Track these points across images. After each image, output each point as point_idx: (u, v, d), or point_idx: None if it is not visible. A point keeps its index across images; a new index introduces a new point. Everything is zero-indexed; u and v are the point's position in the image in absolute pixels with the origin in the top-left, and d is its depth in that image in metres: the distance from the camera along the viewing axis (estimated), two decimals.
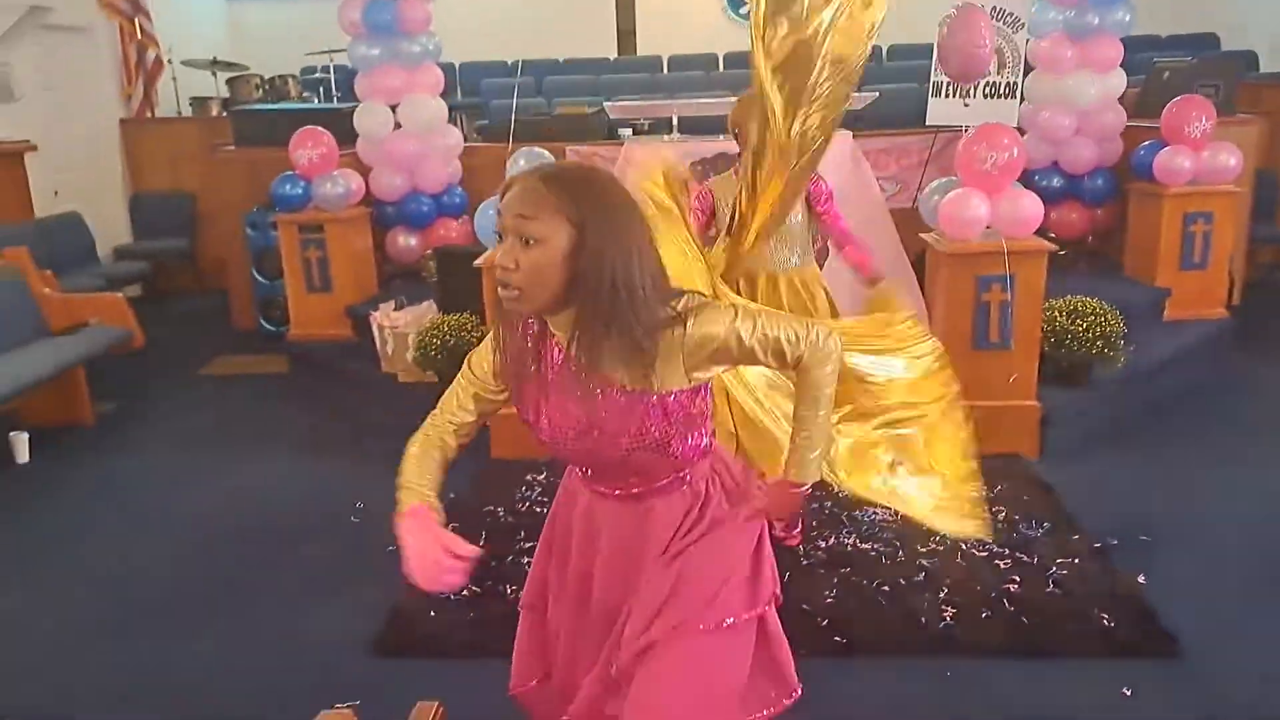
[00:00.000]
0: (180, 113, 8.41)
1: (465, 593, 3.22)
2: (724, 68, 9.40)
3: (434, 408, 1.84)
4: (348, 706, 1.29)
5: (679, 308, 1.60)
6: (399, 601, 3.20)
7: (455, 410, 1.81)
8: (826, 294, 3.45)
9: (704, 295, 1.70)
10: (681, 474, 1.76)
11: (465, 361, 1.82)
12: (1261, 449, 4.30)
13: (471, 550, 1.60)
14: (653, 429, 1.64)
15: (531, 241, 1.51)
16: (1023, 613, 3.02)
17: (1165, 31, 8.98)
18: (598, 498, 1.82)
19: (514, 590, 3.22)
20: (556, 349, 1.67)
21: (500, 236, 1.56)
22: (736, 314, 1.64)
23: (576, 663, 1.90)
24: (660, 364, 1.59)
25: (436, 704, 1.85)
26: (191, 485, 4.34)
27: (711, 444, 1.79)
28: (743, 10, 9.95)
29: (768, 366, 1.78)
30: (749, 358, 1.68)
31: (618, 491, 1.78)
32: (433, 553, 1.59)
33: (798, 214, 3.31)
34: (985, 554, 3.37)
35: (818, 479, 1.86)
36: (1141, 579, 3.19)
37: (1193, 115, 5.13)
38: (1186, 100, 5.26)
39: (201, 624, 3.22)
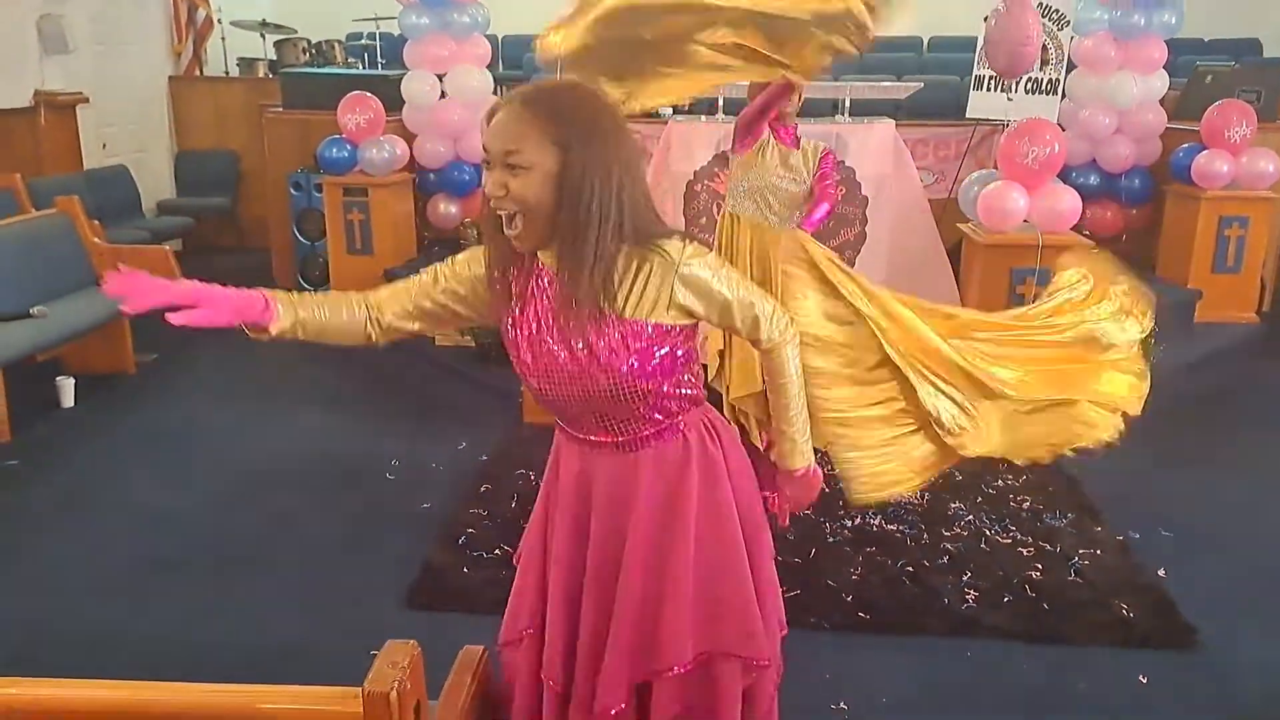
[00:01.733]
0: (228, 73, 8.52)
1: (498, 551, 3.32)
2: None
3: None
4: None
5: (679, 233, 1.61)
6: (432, 556, 3.31)
7: (393, 302, 1.74)
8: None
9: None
10: (673, 421, 1.70)
11: (433, 270, 1.73)
12: None
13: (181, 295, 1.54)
14: (638, 365, 1.60)
15: (519, 169, 1.49)
16: (1043, 599, 3.09)
17: (1208, 35, 8.91)
18: (588, 451, 1.74)
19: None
20: (547, 282, 1.62)
21: (487, 165, 1.52)
22: (726, 268, 1.66)
23: (570, 621, 1.82)
24: (647, 286, 1.57)
25: (482, 649, 1.89)
26: (230, 436, 4.45)
27: (700, 395, 1.75)
28: None
29: (736, 332, 1.73)
30: (726, 316, 1.65)
31: (606, 439, 1.70)
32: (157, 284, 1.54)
33: (804, 180, 3.43)
34: (1009, 540, 3.43)
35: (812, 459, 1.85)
36: (1162, 573, 3.24)
37: (1233, 120, 5.16)
38: (1228, 104, 5.28)
39: (239, 572, 3.31)
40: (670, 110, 6.25)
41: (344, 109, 5.52)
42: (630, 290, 1.57)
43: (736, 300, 1.63)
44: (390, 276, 5.55)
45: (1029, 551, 3.37)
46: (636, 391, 1.62)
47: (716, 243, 3.60)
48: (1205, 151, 5.26)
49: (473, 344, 4.69)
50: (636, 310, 1.57)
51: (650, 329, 1.59)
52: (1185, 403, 4.74)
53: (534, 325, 1.63)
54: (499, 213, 1.54)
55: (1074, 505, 3.71)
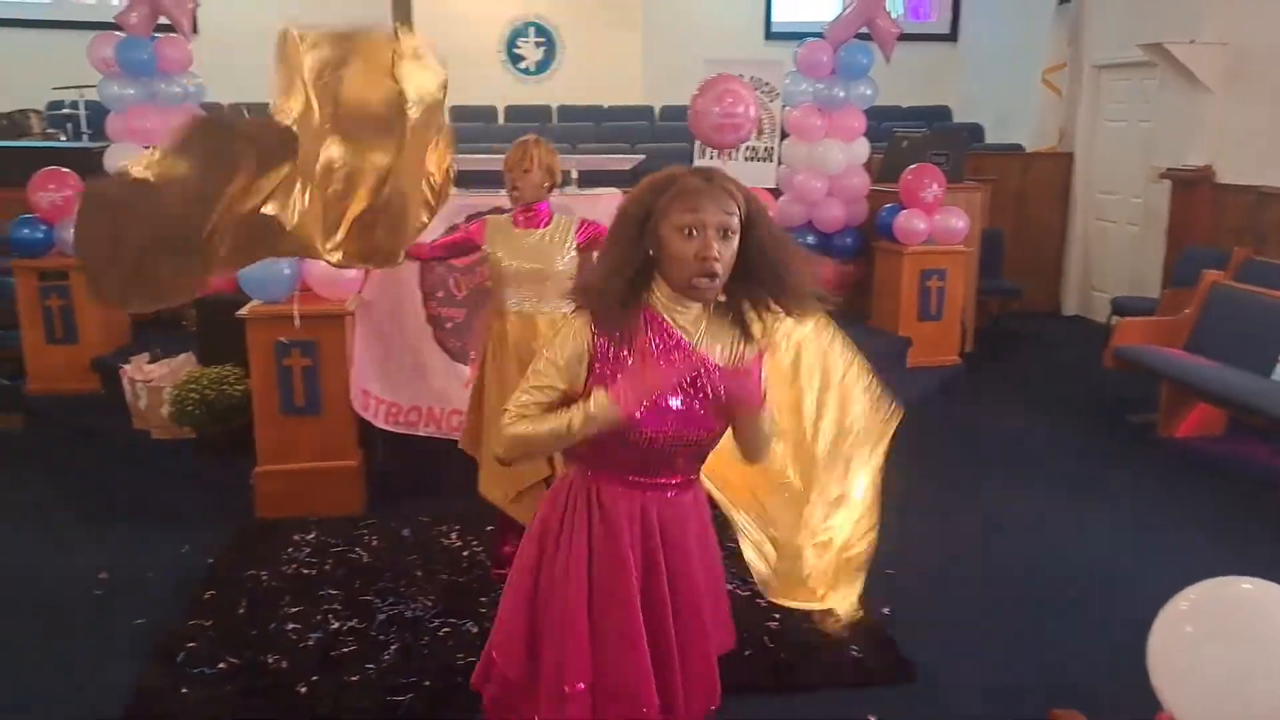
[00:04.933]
0: None
1: (222, 665, 3.05)
2: (504, 120, 9.52)
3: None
4: None
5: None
6: (145, 679, 2.99)
7: (534, 384, 1.85)
8: None
9: None
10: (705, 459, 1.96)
11: (541, 381, 1.84)
12: (991, 482, 4.76)
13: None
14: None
15: (729, 233, 1.74)
16: (782, 649, 3.19)
17: (905, 103, 9.88)
18: (648, 495, 1.90)
19: (276, 660, 3.08)
20: (668, 338, 1.82)
21: (691, 233, 1.72)
22: None
23: (661, 654, 1.93)
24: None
25: None
26: None
27: None
28: (521, 65, 10.12)
29: None
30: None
31: (676, 480, 1.91)
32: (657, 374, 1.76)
33: (568, 258, 3.37)
34: (747, 593, 3.53)
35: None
36: (886, 610, 3.44)
37: (926, 182, 5.69)
38: (921, 168, 5.83)
39: None
40: None
41: (35, 186, 5.03)
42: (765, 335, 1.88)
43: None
44: (99, 365, 5.09)
45: (766, 602, 3.47)
46: (720, 435, 1.90)
47: (491, 340, 3.42)
48: (904, 211, 5.77)
49: (193, 436, 4.34)
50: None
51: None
52: (903, 444, 5.10)
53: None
54: (709, 273, 1.73)
55: None
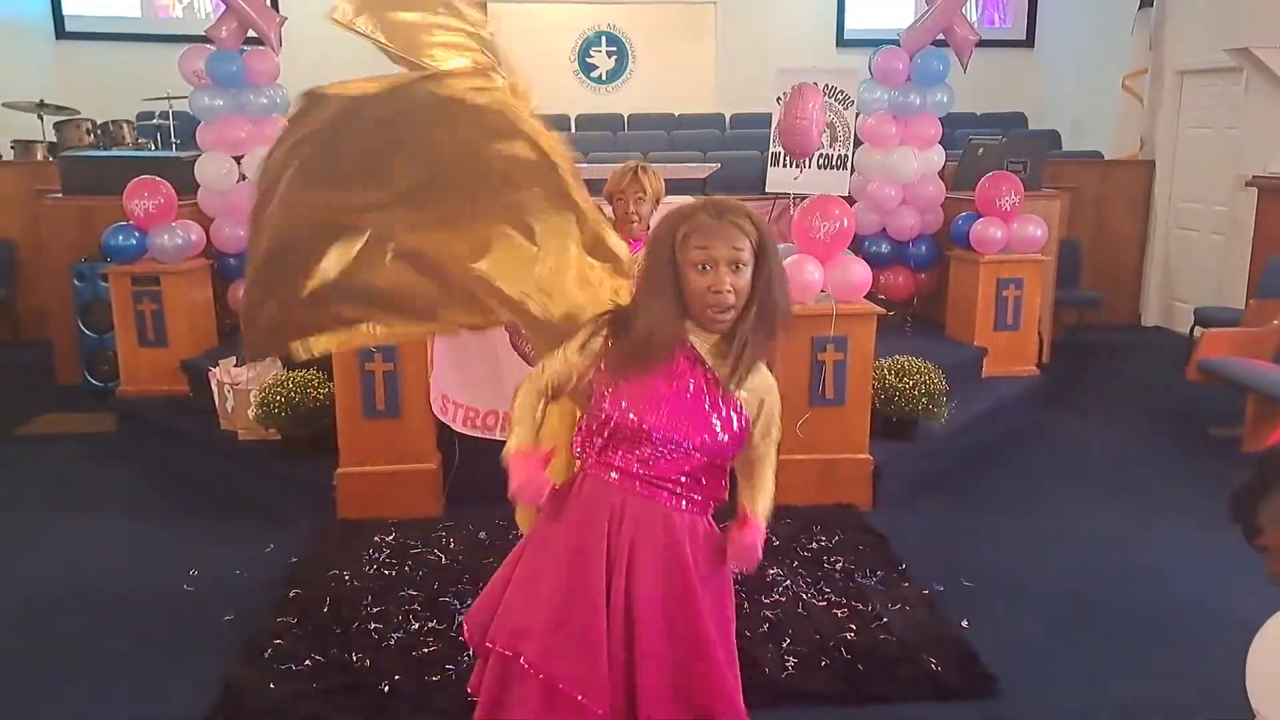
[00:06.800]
0: (0, 156, 7.93)
1: (308, 662, 3.14)
2: (576, 129, 9.62)
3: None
4: None
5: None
6: (233, 674, 3.08)
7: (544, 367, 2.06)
8: None
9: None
10: (702, 493, 2.01)
11: (563, 361, 2.03)
12: (1069, 495, 4.67)
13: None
14: (737, 436, 1.96)
15: (740, 267, 1.85)
16: (858, 660, 3.18)
17: (980, 110, 9.75)
18: (639, 493, 1.97)
19: (360, 659, 3.16)
20: (686, 362, 1.94)
21: (703, 268, 1.85)
22: None
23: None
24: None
25: None
26: (5, 552, 4.05)
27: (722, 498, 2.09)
28: (594, 74, 10.22)
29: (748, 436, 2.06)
30: (756, 416, 2.05)
31: (669, 484, 1.97)
32: (534, 482, 1.97)
33: None
34: (824, 604, 3.53)
35: None
36: (965, 623, 3.40)
37: (1003, 190, 5.61)
38: (997, 176, 5.74)
39: (11, 710, 3.00)
40: None
41: (130, 194, 5.23)
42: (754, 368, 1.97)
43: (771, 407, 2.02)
44: (188, 368, 5.26)
45: (843, 612, 3.47)
46: (724, 463, 2.01)
47: None
48: (980, 219, 5.69)
49: (278, 437, 4.46)
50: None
51: (743, 408, 1.97)
52: (978, 454, 5.05)
53: (670, 398, 1.92)
54: (723, 305, 1.85)
55: (882, 562, 3.86)
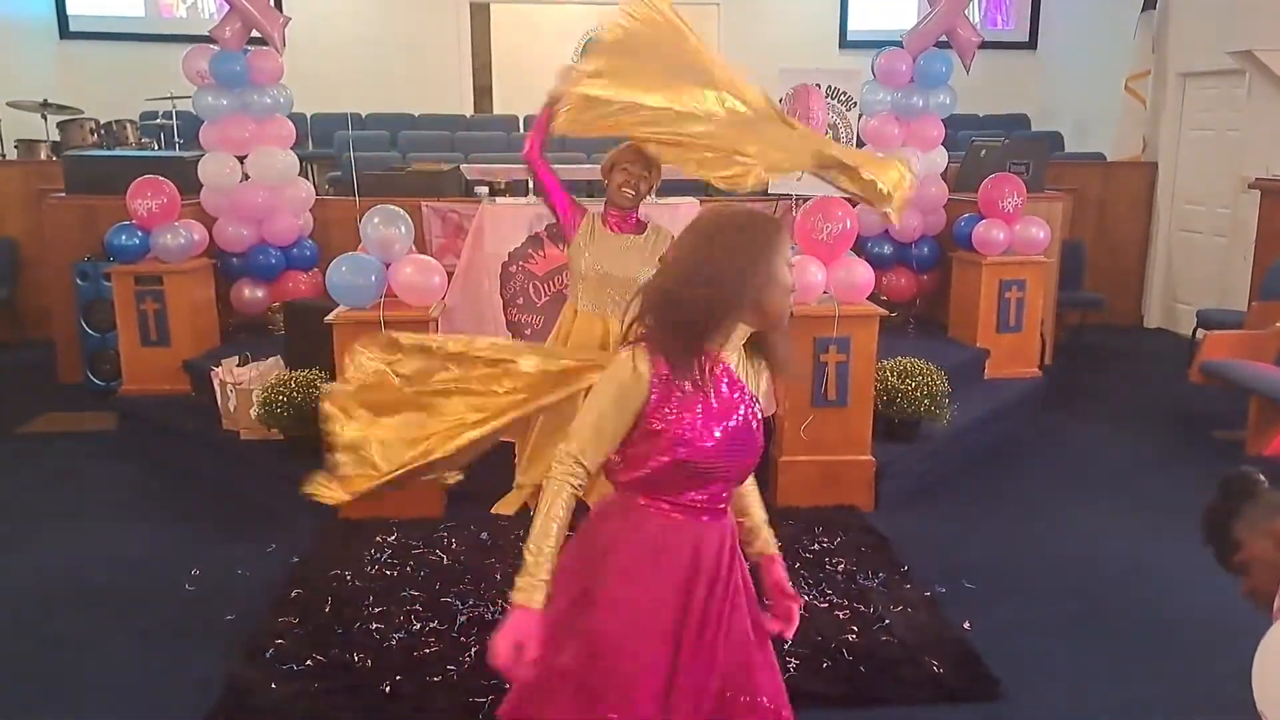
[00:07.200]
0: (3, 156, 7.94)
1: (310, 662, 3.14)
2: None
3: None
4: None
5: None
6: (235, 673, 3.08)
7: (594, 459, 1.83)
8: None
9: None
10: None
11: (609, 420, 1.81)
12: (1071, 496, 4.67)
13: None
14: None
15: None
16: (860, 662, 3.17)
17: (983, 111, 9.74)
18: (698, 524, 1.89)
19: (361, 659, 3.16)
20: (730, 388, 1.88)
21: (789, 266, 1.85)
22: None
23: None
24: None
25: None
26: (6, 551, 4.05)
27: None
28: None
29: None
30: None
31: (725, 506, 1.94)
32: (522, 651, 1.76)
33: (651, 270, 3.39)
34: (826, 605, 3.52)
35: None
36: (967, 625, 3.40)
37: (1006, 191, 5.60)
38: (1000, 177, 5.74)
39: (18, 700, 3.00)
40: (486, 191, 6.26)
41: (133, 193, 5.23)
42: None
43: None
44: (190, 368, 5.27)
45: (845, 614, 3.46)
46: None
47: (558, 333, 3.49)
48: (983, 221, 5.69)
49: (280, 437, 4.46)
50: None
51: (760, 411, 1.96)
52: (980, 455, 5.05)
53: (715, 414, 1.82)
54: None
55: (884, 563, 3.86)
